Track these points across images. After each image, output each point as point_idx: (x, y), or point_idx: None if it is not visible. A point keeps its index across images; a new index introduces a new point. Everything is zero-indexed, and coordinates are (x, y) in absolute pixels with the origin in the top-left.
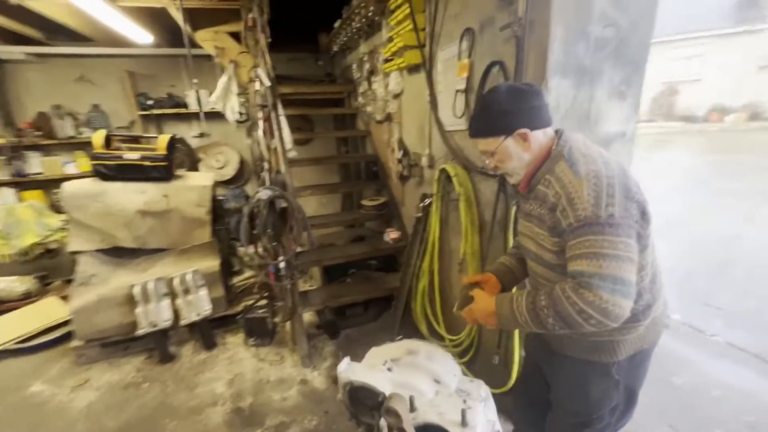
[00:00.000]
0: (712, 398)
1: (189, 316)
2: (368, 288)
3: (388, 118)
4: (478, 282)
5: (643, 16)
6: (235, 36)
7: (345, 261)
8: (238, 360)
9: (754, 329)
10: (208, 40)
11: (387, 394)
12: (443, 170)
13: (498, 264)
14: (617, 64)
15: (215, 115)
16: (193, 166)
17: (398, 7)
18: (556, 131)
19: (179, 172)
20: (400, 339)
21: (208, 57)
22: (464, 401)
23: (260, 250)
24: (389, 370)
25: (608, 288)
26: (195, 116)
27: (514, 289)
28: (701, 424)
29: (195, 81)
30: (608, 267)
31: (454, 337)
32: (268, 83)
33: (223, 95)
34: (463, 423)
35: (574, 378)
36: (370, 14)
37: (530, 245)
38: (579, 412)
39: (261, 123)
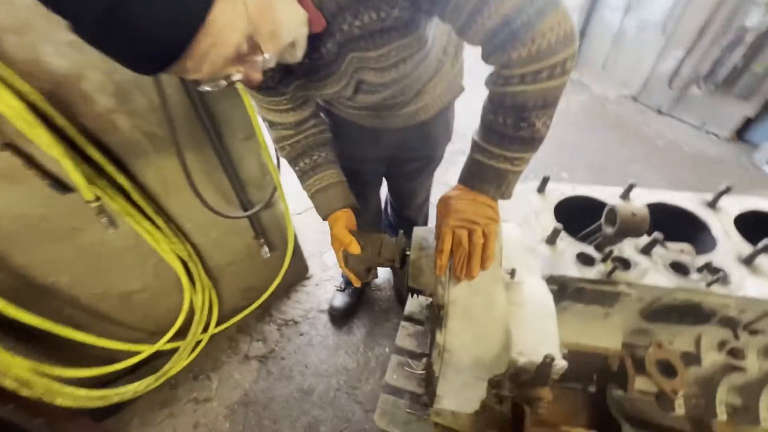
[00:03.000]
0: None
1: None
2: None
3: None
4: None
5: None
6: None
7: None
8: None
9: None
10: None
11: None
12: None
13: (335, 191)
14: None
15: None
16: None
17: None
18: None
19: None
20: None
21: None
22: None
23: None
24: None
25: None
26: None
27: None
28: None
29: None
30: None
31: (141, 346)
32: None
33: None
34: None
35: (432, 130)
36: None
37: (384, 77)
38: (431, 154)
39: None
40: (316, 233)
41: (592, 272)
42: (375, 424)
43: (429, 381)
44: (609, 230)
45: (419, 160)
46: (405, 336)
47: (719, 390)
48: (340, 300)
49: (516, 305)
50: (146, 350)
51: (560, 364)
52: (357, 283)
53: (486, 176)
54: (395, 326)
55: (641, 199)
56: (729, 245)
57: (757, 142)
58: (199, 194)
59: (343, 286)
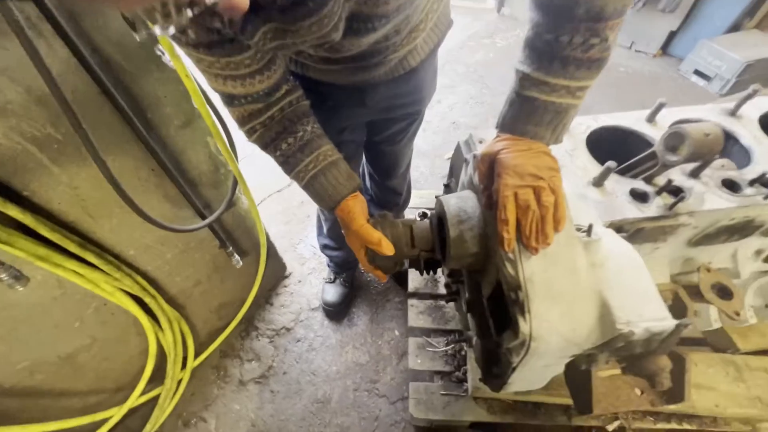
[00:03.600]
0: None
1: None
2: None
3: None
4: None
5: None
6: None
7: None
8: None
9: None
10: None
11: None
12: None
13: (336, 173)
14: None
15: None
16: None
17: None
18: None
19: None
20: None
21: None
22: None
23: None
24: None
25: None
26: None
27: None
28: None
29: None
30: None
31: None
32: None
33: None
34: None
35: (421, 78)
36: None
37: None
38: (419, 109)
39: None
40: (281, 224)
41: (652, 209)
42: (406, 415)
43: (486, 363)
44: (673, 157)
45: (405, 118)
46: (416, 315)
47: (747, 295)
48: (331, 292)
49: (599, 266)
50: (115, 414)
51: (688, 323)
52: (383, 279)
53: (543, 117)
54: (398, 306)
55: (666, 120)
56: (764, 151)
57: (680, 55)
58: (138, 209)
59: (332, 277)
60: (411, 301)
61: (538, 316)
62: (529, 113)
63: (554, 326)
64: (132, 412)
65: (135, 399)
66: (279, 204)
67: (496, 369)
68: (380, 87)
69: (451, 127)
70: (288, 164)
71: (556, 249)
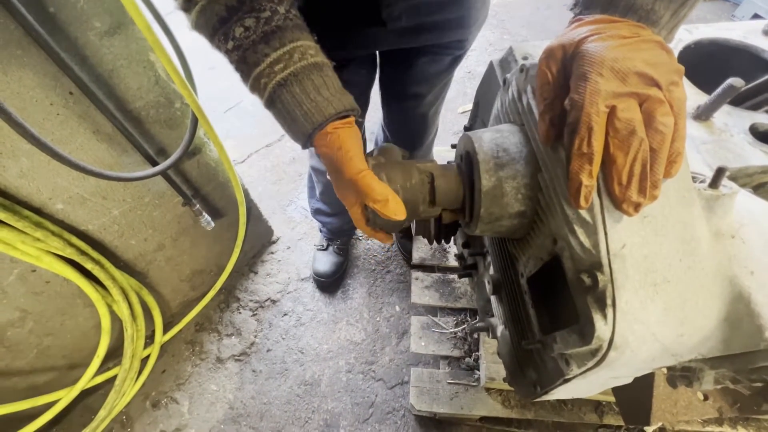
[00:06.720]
0: None
1: None
2: None
3: None
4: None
5: None
6: None
7: None
8: None
9: None
10: None
11: None
12: None
13: (319, 80)
14: None
15: None
16: None
17: None
18: None
19: None
20: None
21: None
22: None
23: None
24: None
25: None
26: None
27: None
28: None
29: None
30: None
31: None
32: None
33: None
34: None
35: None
36: None
37: None
38: (462, 38)
39: None
40: (269, 183)
41: None
42: (406, 402)
43: (518, 363)
44: None
45: (442, 51)
46: (421, 290)
47: None
48: (324, 261)
49: (729, 237)
50: (64, 395)
51: None
52: (389, 241)
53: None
54: (399, 277)
55: None
56: None
57: None
58: (38, 139)
59: (324, 244)
60: (415, 274)
61: (628, 314)
62: None
63: (651, 329)
64: (93, 390)
65: (88, 379)
66: (268, 160)
67: (533, 374)
68: None
69: (465, 77)
70: (245, 63)
71: (663, 208)
